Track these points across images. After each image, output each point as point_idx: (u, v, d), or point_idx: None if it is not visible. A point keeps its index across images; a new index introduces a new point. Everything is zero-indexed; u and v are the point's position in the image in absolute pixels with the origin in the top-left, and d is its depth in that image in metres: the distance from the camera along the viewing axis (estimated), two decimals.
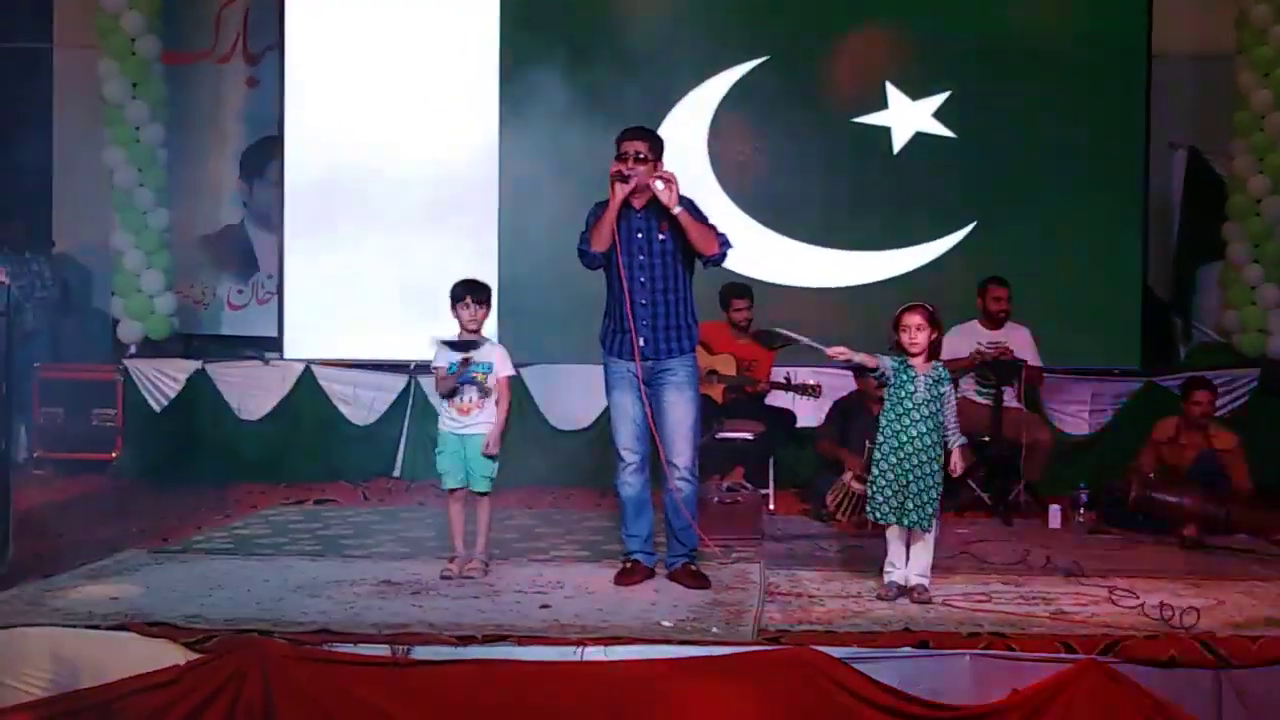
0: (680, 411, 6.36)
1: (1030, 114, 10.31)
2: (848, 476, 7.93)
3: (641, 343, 6.31)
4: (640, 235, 6.34)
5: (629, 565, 6.45)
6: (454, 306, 6.54)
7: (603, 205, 6.35)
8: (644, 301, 6.30)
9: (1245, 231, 10.40)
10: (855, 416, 8.34)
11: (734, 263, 6.77)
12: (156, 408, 10.29)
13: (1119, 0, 10.47)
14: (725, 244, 6.41)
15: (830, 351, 6.12)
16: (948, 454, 6.11)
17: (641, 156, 6.28)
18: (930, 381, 6.05)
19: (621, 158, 6.29)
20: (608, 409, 6.59)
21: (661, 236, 6.35)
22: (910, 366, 6.08)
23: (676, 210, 6.20)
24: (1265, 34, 10.23)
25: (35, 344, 10.61)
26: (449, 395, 6.53)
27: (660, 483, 6.47)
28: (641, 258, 6.32)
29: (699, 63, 10.50)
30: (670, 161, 6.45)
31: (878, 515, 6.10)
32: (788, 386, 8.87)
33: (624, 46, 10.33)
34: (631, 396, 6.40)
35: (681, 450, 6.36)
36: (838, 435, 8.46)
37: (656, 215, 6.35)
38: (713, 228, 6.39)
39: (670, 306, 6.35)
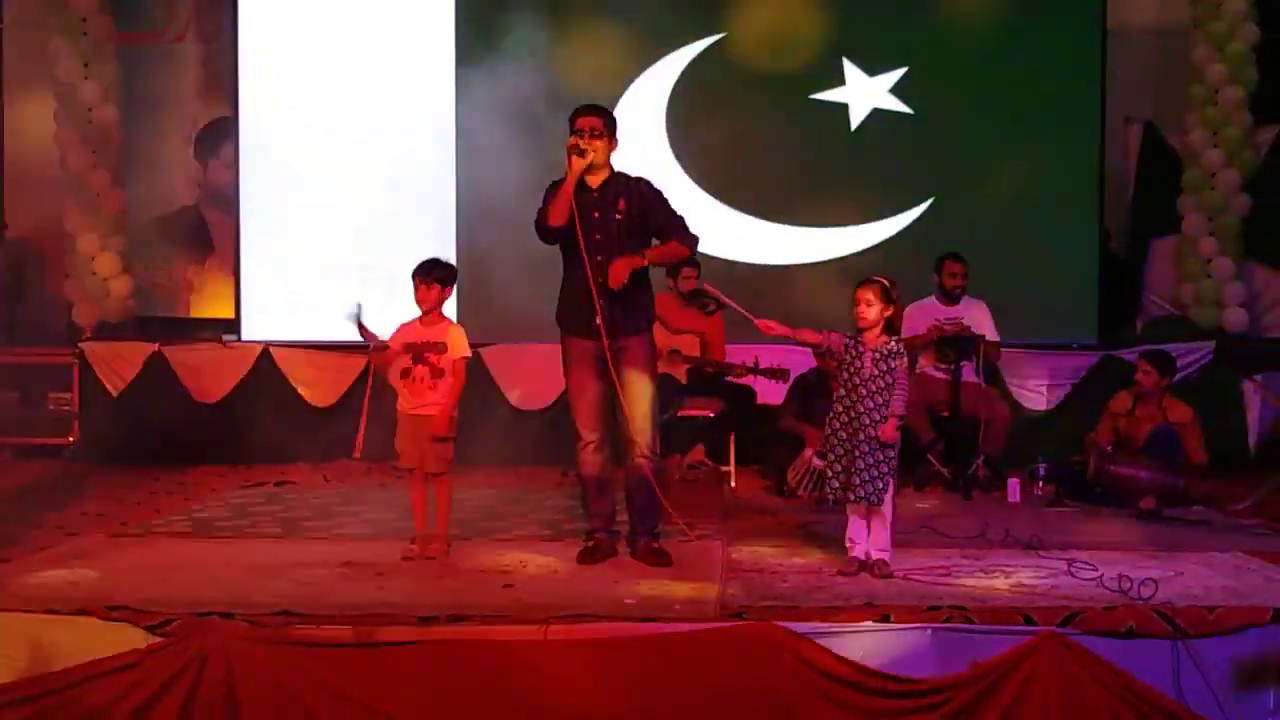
0: (639, 389, 6.36)
1: (987, 89, 10.37)
2: (809, 453, 7.95)
3: (598, 320, 6.28)
4: (597, 214, 6.32)
5: (591, 544, 6.46)
6: (414, 288, 6.52)
7: (559, 183, 6.34)
8: (601, 279, 6.26)
9: (1200, 205, 10.47)
10: (816, 393, 8.34)
11: None
12: (113, 391, 10.21)
13: None
14: (694, 244, 6.46)
15: (759, 323, 6.14)
16: (903, 430, 6.15)
17: (597, 132, 6.29)
18: (878, 357, 6.04)
19: (577, 133, 6.28)
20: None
21: (618, 215, 6.33)
22: (860, 342, 6.08)
23: (643, 263, 6.27)
24: (1219, 8, 10.31)
25: None
26: (402, 375, 6.50)
27: (621, 461, 6.47)
28: (598, 236, 6.30)
29: (656, 39, 10.50)
30: (627, 138, 6.45)
31: (831, 493, 6.12)
32: (755, 371, 8.87)
33: (581, 23, 10.31)
34: (590, 375, 6.40)
35: (641, 428, 6.35)
36: (799, 411, 8.47)
37: (613, 193, 6.35)
38: (679, 226, 6.40)
39: (627, 284, 6.31)
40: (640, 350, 6.40)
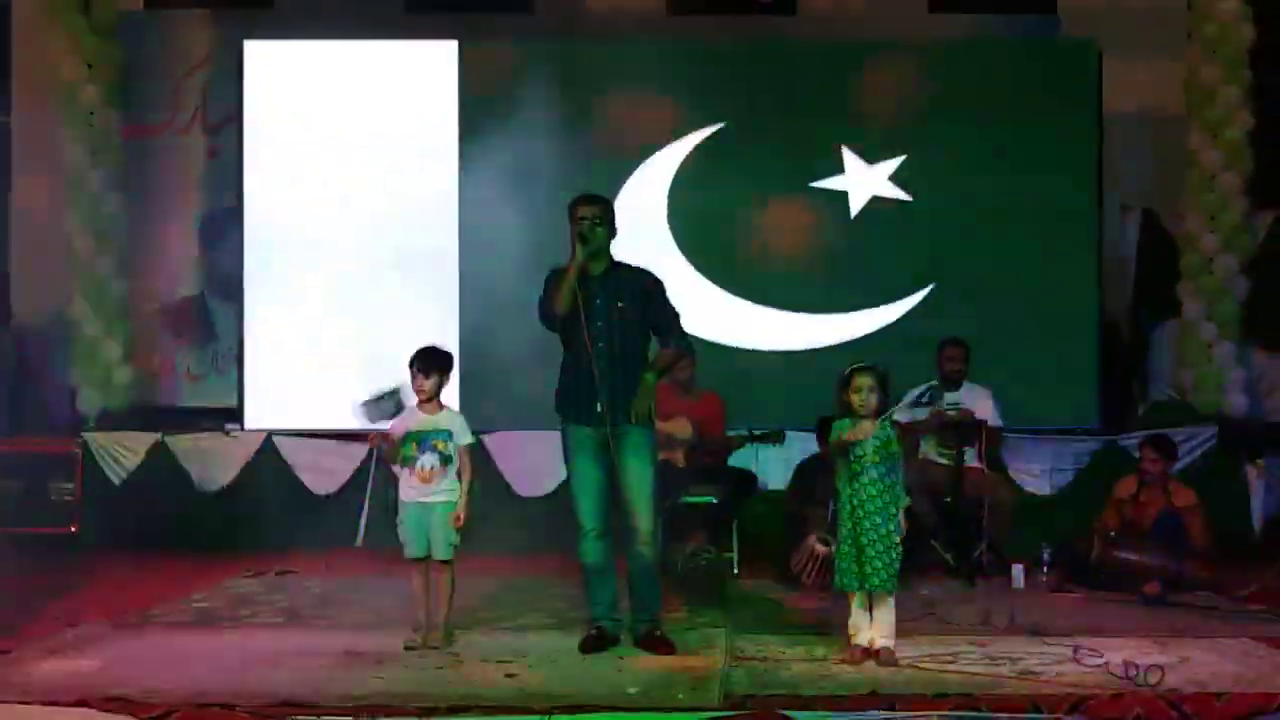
0: (640, 477, 6.36)
1: (985, 176, 10.44)
2: (812, 539, 7.91)
3: (599, 408, 6.29)
4: (599, 302, 6.36)
5: (594, 632, 6.43)
6: (411, 376, 6.54)
7: (560, 271, 6.38)
8: (603, 367, 6.28)
9: (1199, 290, 10.52)
10: (817, 478, 8.33)
11: (690, 324, 6.80)
12: (116, 480, 10.19)
13: (1070, 63, 10.66)
14: (687, 347, 6.62)
15: None
16: (907, 516, 6.13)
17: (597, 221, 6.34)
18: (880, 443, 6.05)
19: (578, 222, 6.34)
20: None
21: (621, 304, 6.37)
22: (860, 429, 6.07)
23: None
24: (1214, 95, 10.41)
25: None
26: (405, 463, 6.51)
27: (622, 549, 6.45)
28: (600, 323, 6.33)
29: (657, 129, 10.59)
30: (629, 223, 6.52)
31: (842, 583, 6.10)
32: (750, 438, 8.87)
33: (584, 109, 10.43)
34: (591, 463, 6.40)
35: (642, 516, 6.34)
36: (801, 497, 8.45)
37: (615, 282, 6.40)
38: (675, 328, 6.48)
39: (629, 373, 6.34)
40: (641, 437, 6.40)
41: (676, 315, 6.51)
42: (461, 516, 6.45)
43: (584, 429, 6.39)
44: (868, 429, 6.04)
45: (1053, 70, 10.69)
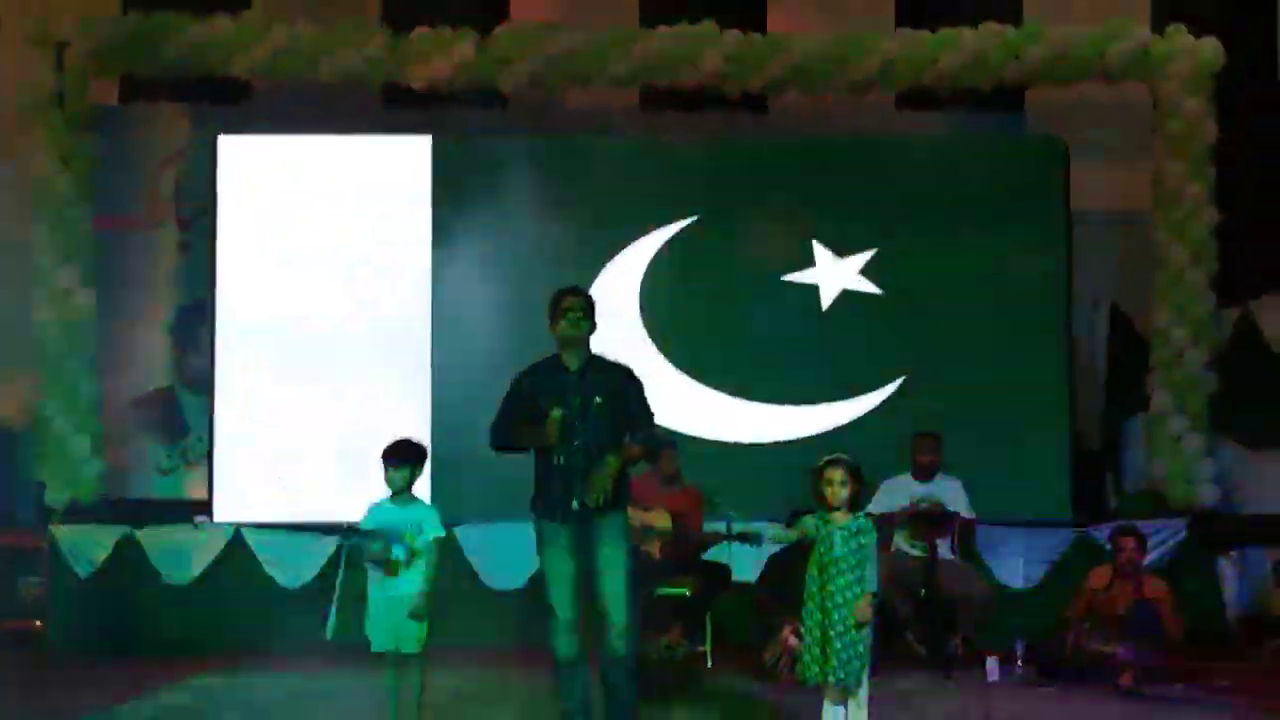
0: (615, 568, 6.27)
1: (955, 270, 10.52)
2: (786, 631, 7.88)
3: (576, 506, 6.22)
4: (576, 399, 6.30)
5: None
6: (385, 468, 6.51)
7: (526, 380, 6.42)
8: (579, 466, 6.22)
9: (1168, 383, 10.58)
10: (791, 570, 8.28)
11: (662, 416, 6.79)
12: (83, 574, 10.07)
13: (1038, 160, 10.81)
14: (658, 445, 6.73)
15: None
16: (880, 608, 6.10)
17: (582, 313, 6.33)
18: (847, 534, 6.02)
19: (564, 313, 6.31)
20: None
21: (598, 399, 6.31)
22: (829, 521, 6.06)
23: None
24: (1179, 192, 10.53)
25: None
26: (371, 556, 6.46)
27: (596, 643, 6.38)
28: (576, 421, 6.25)
29: (630, 221, 10.67)
30: (602, 313, 6.49)
31: (806, 674, 6.05)
32: (728, 536, 8.85)
33: (557, 203, 10.49)
34: (564, 556, 6.31)
35: (617, 609, 6.25)
36: (773, 590, 8.43)
37: (592, 378, 6.35)
38: (647, 424, 6.44)
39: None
40: (616, 528, 6.33)
41: (651, 414, 6.45)
42: (419, 605, 6.35)
43: (558, 525, 6.32)
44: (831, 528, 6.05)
45: (1021, 167, 10.84)
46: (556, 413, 6.18)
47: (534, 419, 6.32)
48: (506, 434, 6.45)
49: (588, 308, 6.38)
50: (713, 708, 7.24)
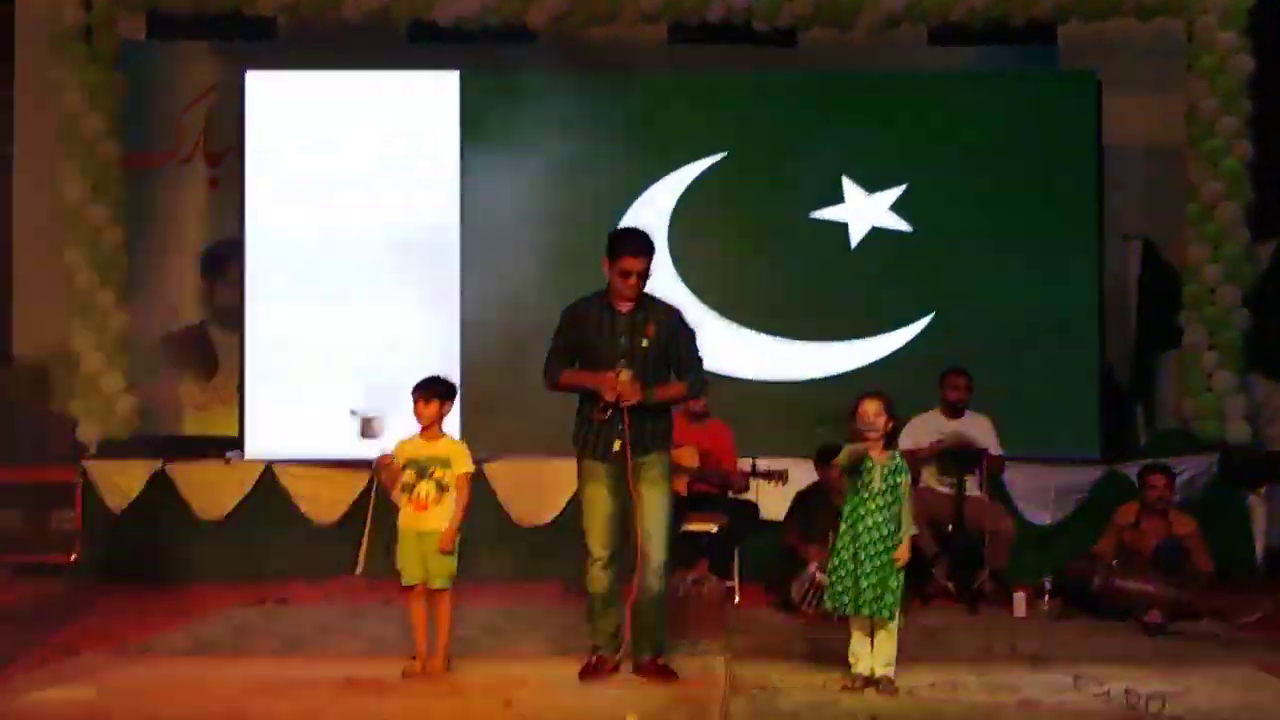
0: (656, 508, 6.31)
1: (985, 206, 10.46)
2: (812, 567, 7.91)
3: (617, 447, 6.24)
4: (624, 340, 6.31)
5: (594, 660, 6.38)
6: (415, 403, 6.53)
7: (577, 313, 6.40)
8: (623, 406, 6.22)
9: (1200, 319, 10.52)
10: (818, 507, 8.33)
11: None
12: (116, 509, 10.18)
13: (1071, 94, 10.68)
14: (700, 391, 6.65)
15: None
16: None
17: (643, 277, 6.29)
18: (887, 471, 6.07)
19: (626, 274, 6.26)
20: (571, 502, 6.56)
21: (646, 342, 6.31)
22: (868, 456, 6.10)
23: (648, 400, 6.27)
24: (1213, 126, 10.42)
25: None
26: (403, 491, 6.50)
27: (628, 578, 6.41)
28: (623, 361, 6.26)
29: (659, 158, 10.62)
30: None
31: (835, 605, 6.10)
32: (753, 474, 8.88)
33: (584, 141, 10.43)
34: (605, 491, 6.33)
35: (654, 547, 6.30)
36: (801, 526, 8.44)
37: (642, 319, 6.34)
38: (695, 369, 6.45)
39: (650, 408, 6.31)
40: (659, 469, 6.37)
41: (699, 362, 6.47)
42: (445, 542, 6.40)
43: (599, 462, 6.34)
44: (876, 454, 6.07)
45: (1053, 101, 10.71)
46: (625, 374, 6.19)
47: (582, 354, 6.38)
48: (557, 377, 6.44)
49: (648, 269, 6.32)
50: (739, 642, 7.27)
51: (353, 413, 6.51)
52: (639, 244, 6.34)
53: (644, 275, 6.31)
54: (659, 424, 6.41)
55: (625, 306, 6.34)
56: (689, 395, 6.58)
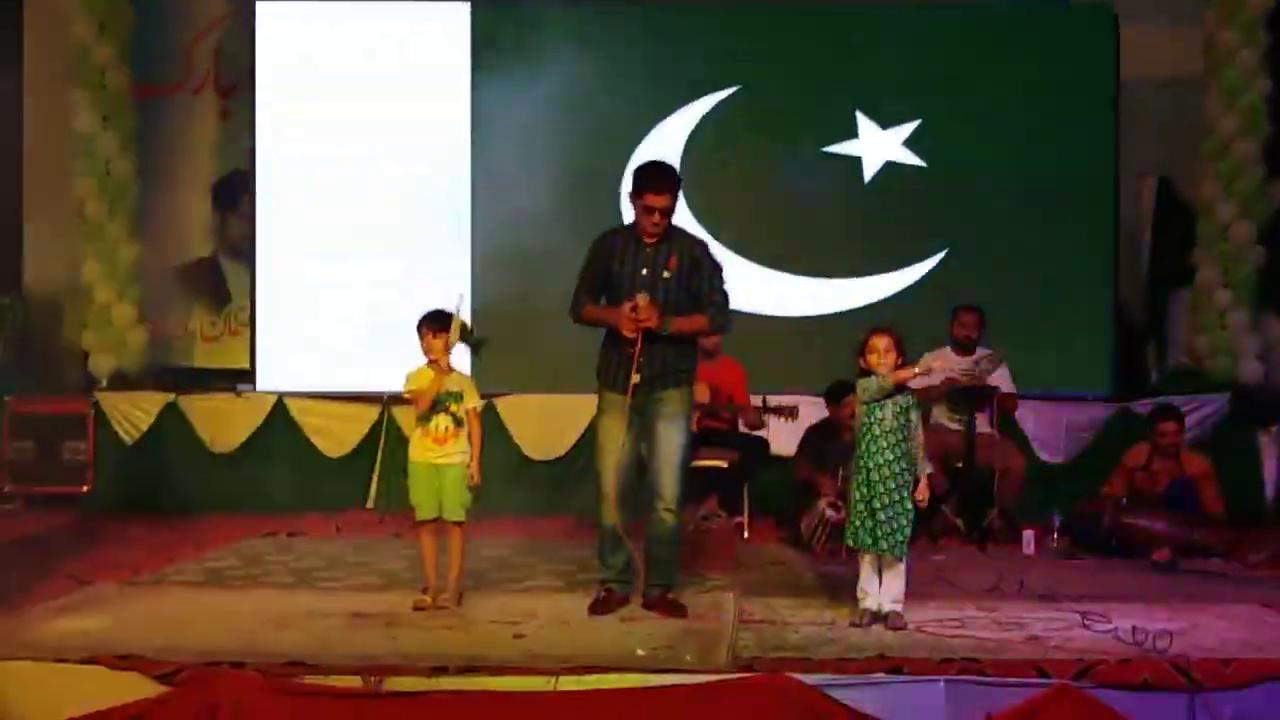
0: (671, 444, 6.31)
1: (1000, 142, 10.39)
2: (822, 503, 7.92)
3: (637, 379, 6.23)
4: (646, 271, 6.29)
5: (603, 594, 6.40)
6: (420, 338, 6.51)
7: (603, 245, 6.38)
8: (645, 339, 6.20)
9: (1214, 257, 10.47)
10: (828, 443, 8.34)
11: None
12: (128, 440, 10.24)
13: (1087, 28, 10.56)
14: (722, 326, 6.49)
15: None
16: (918, 482, 6.12)
17: (667, 213, 6.25)
18: (898, 409, 6.06)
19: (647, 210, 6.23)
20: (583, 438, 6.56)
21: (667, 274, 6.29)
22: (886, 396, 6.08)
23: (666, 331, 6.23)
24: (1232, 60, 10.32)
25: (5, 377, 10.58)
26: (418, 424, 6.50)
27: (641, 513, 6.43)
28: (644, 292, 6.22)
29: (670, 92, 10.55)
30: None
31: (852, 541, 6.11)
32: (764, 410, 8.88)
33: (596, 73, 10.35)
34: (622, 425, 6.31)
35: (668, 483, 6.30)
36: (811, 462, 8.45)
37: (667, 250, 6.32)
38: (718, 303, 6.39)
39: (672, 343, 6.29)
40: (677, 405, 6.35)
41: (724, 297, 6.41)
42: (474, 475, 6.43)
43: (620, 396, 6.32)
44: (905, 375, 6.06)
45: (1069, 35, 10.59)
46: (642, 298, 6.16)
47: (607, 286, 6.37)
48: (580, 311, 6.44)
49: (672, 205, 6.27)
50: (748, 577, 7.30)
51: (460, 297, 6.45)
52: (661, 179, 6.30)
53: (667, 211, 6.26)
54: (680, 360, 6.38)
55: (650, 239, 6.31)
56: (710, 329, 6.50)
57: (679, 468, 6.34)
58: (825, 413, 8.63)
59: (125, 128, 10.76)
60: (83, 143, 10.62)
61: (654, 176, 6.31)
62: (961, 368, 8.86)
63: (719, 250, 9.91)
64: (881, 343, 6.11)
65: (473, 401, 6.51)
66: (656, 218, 6.23)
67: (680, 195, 6.34)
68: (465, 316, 6.41)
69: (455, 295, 6.45)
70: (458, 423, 6.47)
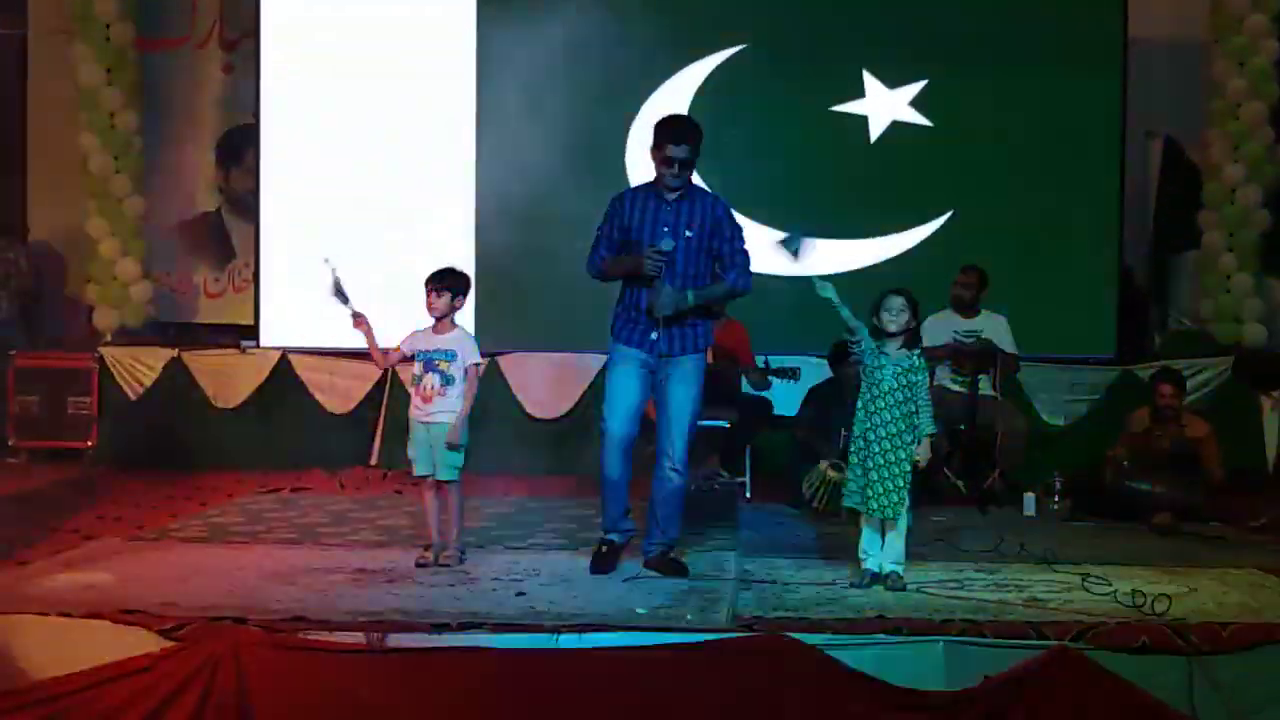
0: (682, 405, 6.32)
1: (1007, 102, 10.34)
2: (824, 464, 7.92)
3: (654, 337, 6.24)
4: (667, 229, 6.24)
5: (603, 548, 6.38)
6: (429, 293, 6.51)
7: (624, 201, 6.34)
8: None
9: (1220, 219, 10.45)
10: (831, 404, 8.33)
11: None
12: (132, 395, 10.26)
13: None
14: (746, 287, 6.48)
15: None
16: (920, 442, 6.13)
17: (686, 165, 6.24)
18: (901, 369, 6.04)
19: (669, 161, 6.21)
20: (585, 396, 6.55)
21: (689, 232, 6.26)
22: (883, 354, 6.08)
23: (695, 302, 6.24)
24: (1240, 22, 10.28)
25: (10, 332, 10.59)
26: (414, 382, 6.51)
27: (645, 469, 6.43)
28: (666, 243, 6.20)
29: (677, 49, 10.49)
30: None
31: (848, 501, 6.12)
32: (767, 371, 8.88)
33: (602, 31, 10.29)
34: (632, 378, 6.32)
35: (676, 442, 6.31)
36: (813, 423, 8.45)
37: (688, 209, 6.29)
38: (740, 265, 6.39)
39: (693, 310, 6.29)
40: (691, 367, 6.35)
41: (745, 257, 6.41)
42: (452, 435, 6.39)
43: (635, 350, 6.33)
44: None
45: None
46: (668, 243, 6.15)
47: (626, 242, 6.33)
48: (600, 265, 6.42)
49: (691, 156, 6.26)
50: (749, 537, 7.32)
51: (326, 261, 6.47)
52: (680, 130, 6.29)
53: (687, 163, 6.25)
54: (699, 326, 6.39)
55: (671, 195, 6.29)
56: (735, 293, 6.48)
57: (688, 429, 6.35)
58: (829, 374, 8.62)
59: (129, 82, 10.74)
60: (86, 96, 10.59)
61: (674, 127, 6.30)
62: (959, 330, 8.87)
63: None
64: (896, 303, 6.11)
65: (470, 359, 6.50)
66: (676, 169, 6.21)
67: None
68: (339, 275, 6.45)
69: (325, 260, 6.49)
70: (446, 381, 6.45)
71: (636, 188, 6.51)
